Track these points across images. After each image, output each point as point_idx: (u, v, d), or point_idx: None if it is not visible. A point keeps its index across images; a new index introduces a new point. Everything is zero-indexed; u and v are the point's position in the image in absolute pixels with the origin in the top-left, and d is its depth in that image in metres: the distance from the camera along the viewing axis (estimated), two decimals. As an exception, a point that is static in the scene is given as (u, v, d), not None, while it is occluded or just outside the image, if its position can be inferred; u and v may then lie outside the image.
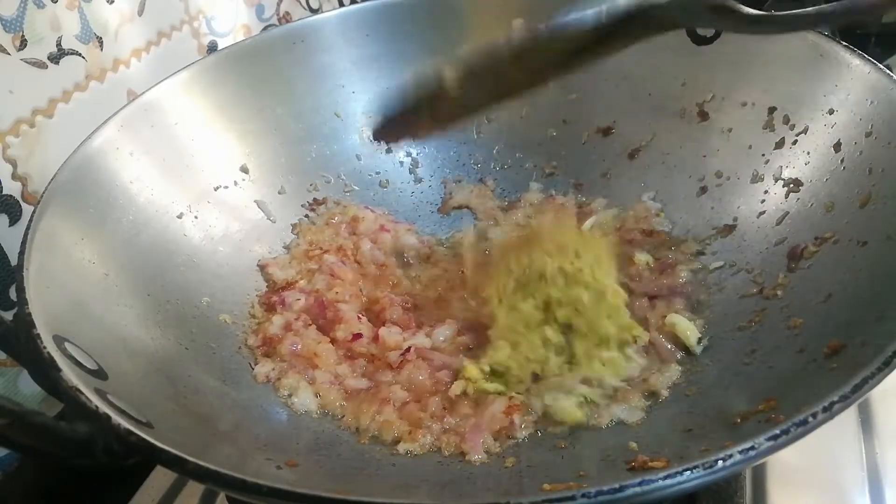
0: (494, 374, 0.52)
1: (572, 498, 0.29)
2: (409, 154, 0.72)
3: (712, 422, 0.44)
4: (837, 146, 0.52)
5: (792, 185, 0.55)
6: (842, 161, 0.51)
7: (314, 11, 0.95)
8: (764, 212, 0.56)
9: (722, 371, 0.49)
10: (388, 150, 0.72)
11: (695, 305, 0.56)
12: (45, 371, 0.36)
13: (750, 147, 0.59)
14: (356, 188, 0.70)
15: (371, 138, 0.65)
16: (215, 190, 0.62)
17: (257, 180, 0.65)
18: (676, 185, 0.63)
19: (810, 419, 0.31)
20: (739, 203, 0.59)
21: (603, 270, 0.52)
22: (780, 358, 0.45)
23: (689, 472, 0.30)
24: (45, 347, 0.37)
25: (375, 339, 0.55)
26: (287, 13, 0.91)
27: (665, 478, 0.29)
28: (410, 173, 0.72)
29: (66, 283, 0.45)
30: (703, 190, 0.61)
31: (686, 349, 0.53)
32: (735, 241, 0.58)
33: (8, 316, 0.57)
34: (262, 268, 0.62)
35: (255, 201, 0.65)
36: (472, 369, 0.51)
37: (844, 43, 0.52)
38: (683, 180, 0.63)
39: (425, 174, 0.72)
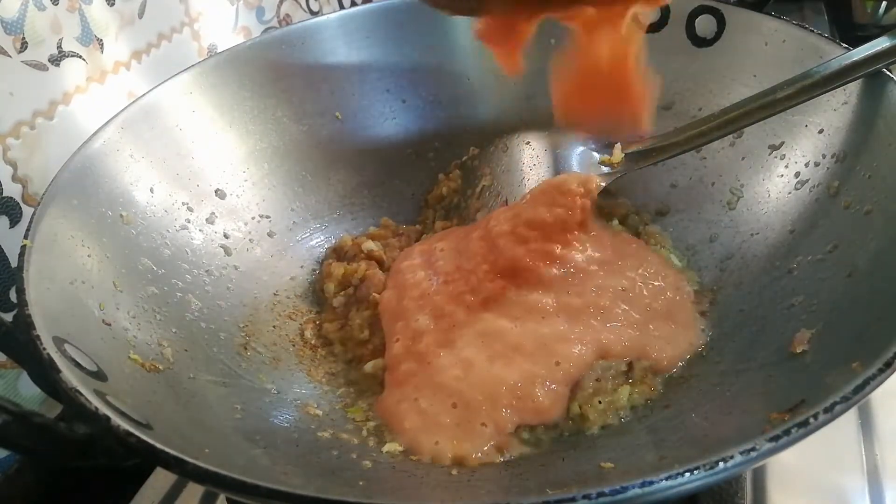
0: None
1: (573, 499, 0.29)
2: (409, 151, 0.72)
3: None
4: (837, 147, 0.52)
5: (796, 185, 0.55)
6: (842, 162, 0.52)
7: (314, 14, 0.95)
8: (766, 212, 0.56)
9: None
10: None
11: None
12: (44, 372, 0.36)
13: (751, 147, 0.59)
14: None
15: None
16: (216, 192, 0.62)
17: (258, 182, 0.65)
18: (676, 185, 0.64)
19: (811, 420, 0.31)
20: (741, 204, 0.59)
21: None
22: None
23: (689, 474, 0.30)
24: (44, 349, 0.37)
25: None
26: (287, 15, 0.91)
27: (666, 479, 0.29)
28: (410, 175, 0.72)
29: (67, 284, 0.45)
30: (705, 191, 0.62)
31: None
32: (731, 246, 0.58)
33: (8, 317, 0.57)
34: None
35: (256, 203, 0.65)
36: None
37: (844, 45, 0.52)
38: (684, 181, 0.63)
39: (425, 177, 0.72)
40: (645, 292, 0.54)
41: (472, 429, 0.47)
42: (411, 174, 0.72)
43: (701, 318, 0.54)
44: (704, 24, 0.61)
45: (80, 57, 0.63)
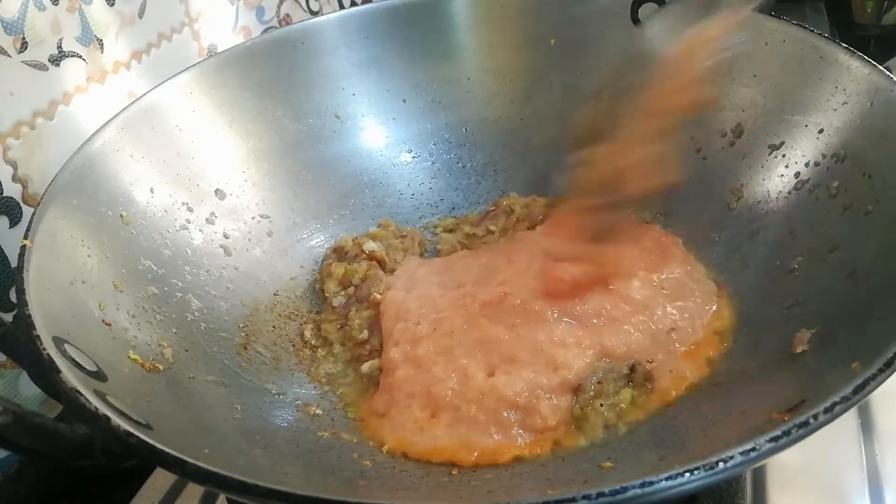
0: None
1: (573, 499, 0.29)
2: (409, 151, 0.73)
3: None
4: (837, 147, 0.52)
5: (796, 185, 0.55)
6: (842, 162, 0.52)
7: (314, 14, 0.95)
8: (766, 213, 0.56)
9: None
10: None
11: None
12: (44, 372, 0.36)
13: (751, 147, 0.59)
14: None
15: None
16: (216, 192, 0.62)
17: (258, 182, 0.65)
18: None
19: (811, 420, 0.31)
20: (741, 204, 0.59)
21: None
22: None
23: (689, 474, 0.29)
24: (44, 349, 0.37)
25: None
26: (287, 15, 0.91)
27: (666, 479, 0.29)
28: (410, 175, 0.72)
29: (67, 284, 0.45)
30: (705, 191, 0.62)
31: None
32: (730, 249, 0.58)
33: (8, 318, 0.57)
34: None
35: (256, 203, 0.65)
36: None
37: (844, 45, 0.52)
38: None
39: (425, 177, 0.72)
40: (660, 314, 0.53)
41: (473, 438, 0.47)
42: (411, 174, 0.72)
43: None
44: (704, 24, 0.61)
45: (80, 57, 0.63)
